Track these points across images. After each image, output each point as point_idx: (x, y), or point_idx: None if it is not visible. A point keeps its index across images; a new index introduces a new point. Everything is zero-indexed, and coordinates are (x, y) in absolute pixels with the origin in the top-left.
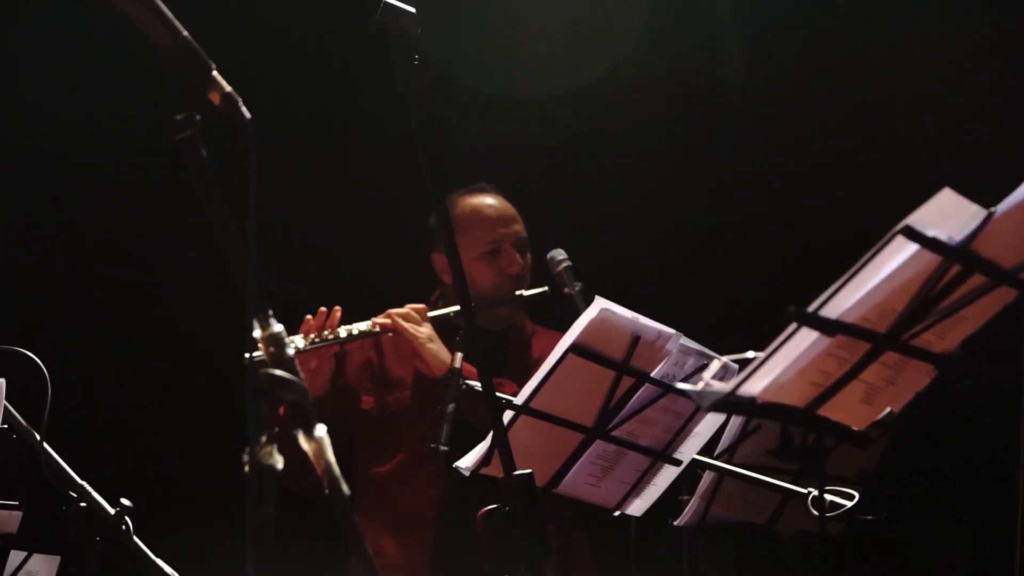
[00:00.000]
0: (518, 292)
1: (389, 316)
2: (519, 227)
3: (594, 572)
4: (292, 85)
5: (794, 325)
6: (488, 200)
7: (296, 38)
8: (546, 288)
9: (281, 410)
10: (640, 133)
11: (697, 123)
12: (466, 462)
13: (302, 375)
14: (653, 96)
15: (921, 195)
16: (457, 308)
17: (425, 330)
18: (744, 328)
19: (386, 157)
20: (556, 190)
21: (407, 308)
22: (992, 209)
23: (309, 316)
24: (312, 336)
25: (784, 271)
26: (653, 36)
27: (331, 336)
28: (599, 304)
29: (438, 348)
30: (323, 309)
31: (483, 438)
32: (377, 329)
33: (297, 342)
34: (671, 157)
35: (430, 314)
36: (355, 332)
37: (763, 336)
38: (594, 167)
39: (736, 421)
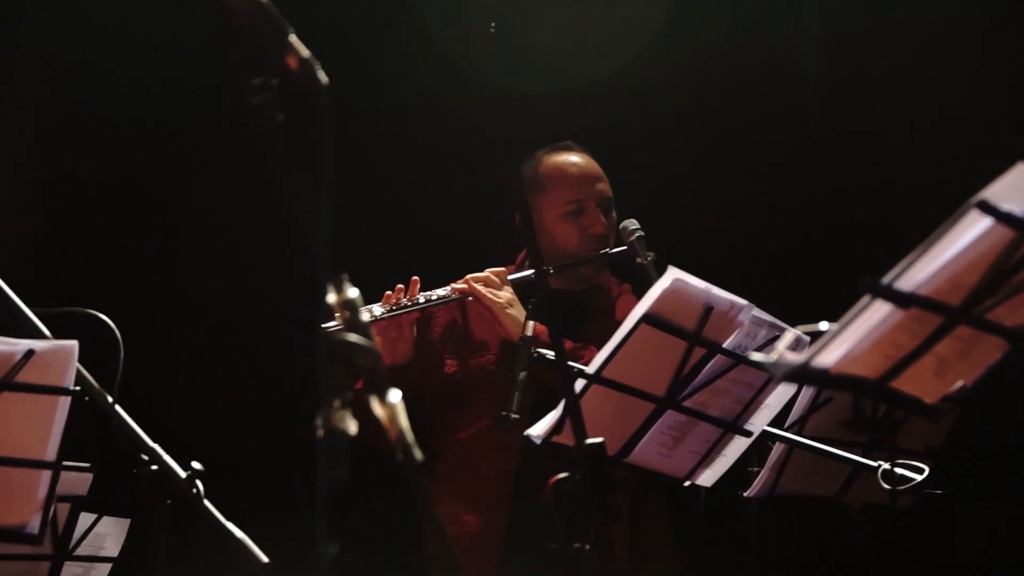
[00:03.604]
0: (602, 251)
1: (467, 283)
2: (604, 186)
3: (670, 543)
4: (363, 48)
5: (868, 297)
6: (572, 158)
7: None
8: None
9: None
10: (709, 104)
11: (771, 94)
12: (537, 430)
13: (380, 343)
14: (716, 66)
15: (992, 172)
16: None
17: (504, 295)
18: (815, 300)
19: (465, 116)
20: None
21: (487, 273)
22: None
23: (389, 292)
24: (391, 304)
25: (856, 244)
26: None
27: (409, 303)
28: (672, 274)
29: (517, 313)
30: (400, 286)
31: None
32: (456, 296)
33: (375, 310)
34: (741, 130)
35: (511, 277)
36: (434, 298)
37: (834, 309)
38: (664, 135)
39: (806, 393)
